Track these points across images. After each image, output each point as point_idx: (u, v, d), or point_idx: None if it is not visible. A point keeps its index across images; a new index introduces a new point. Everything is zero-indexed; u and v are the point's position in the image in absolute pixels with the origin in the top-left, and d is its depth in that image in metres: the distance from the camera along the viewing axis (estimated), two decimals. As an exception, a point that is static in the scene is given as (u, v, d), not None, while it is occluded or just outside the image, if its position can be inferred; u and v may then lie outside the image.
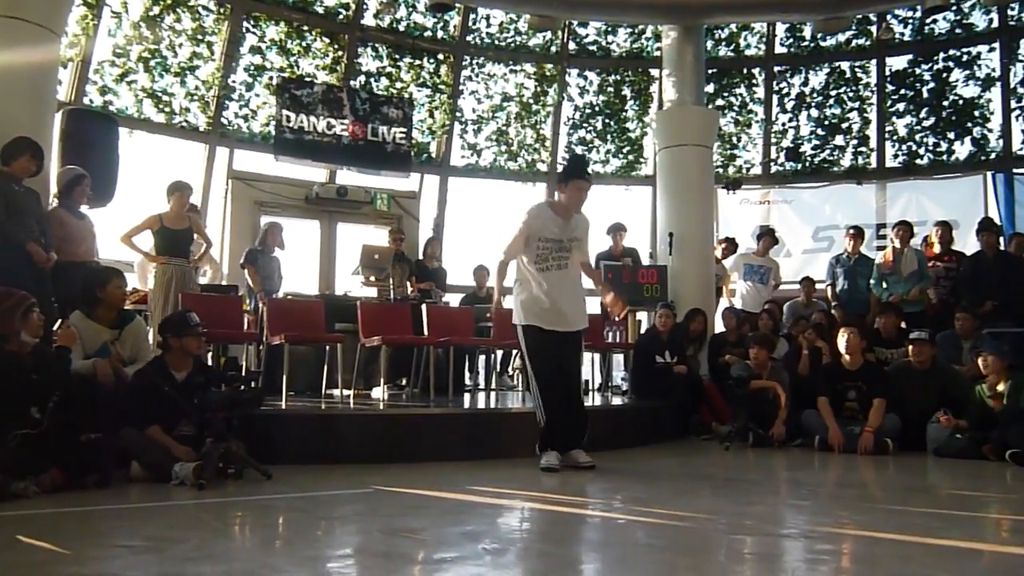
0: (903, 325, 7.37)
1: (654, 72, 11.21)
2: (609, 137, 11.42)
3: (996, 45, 10.66)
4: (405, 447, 5.32)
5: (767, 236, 9.25)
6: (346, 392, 6.50)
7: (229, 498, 3.94)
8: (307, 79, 9.93)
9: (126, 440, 4.32)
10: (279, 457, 4.75)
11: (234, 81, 9.63)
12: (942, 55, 10.87)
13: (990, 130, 10.69)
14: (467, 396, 7.57)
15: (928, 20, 10.67)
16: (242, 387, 4.38)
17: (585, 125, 11.40)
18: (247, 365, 6.73)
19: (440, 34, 10.83)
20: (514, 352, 8.91)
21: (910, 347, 6.38)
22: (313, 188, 9.72)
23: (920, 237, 8.77)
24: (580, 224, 4.97)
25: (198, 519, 3.50)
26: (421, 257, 9.22)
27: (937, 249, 8.20)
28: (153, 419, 4.40)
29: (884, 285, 8.05)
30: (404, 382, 7.68)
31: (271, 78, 9.79)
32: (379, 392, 6.51)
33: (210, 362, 6.38)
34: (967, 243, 9.12)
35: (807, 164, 11.28)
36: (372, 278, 7.93)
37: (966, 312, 7.02)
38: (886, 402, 6.06)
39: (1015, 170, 10.35)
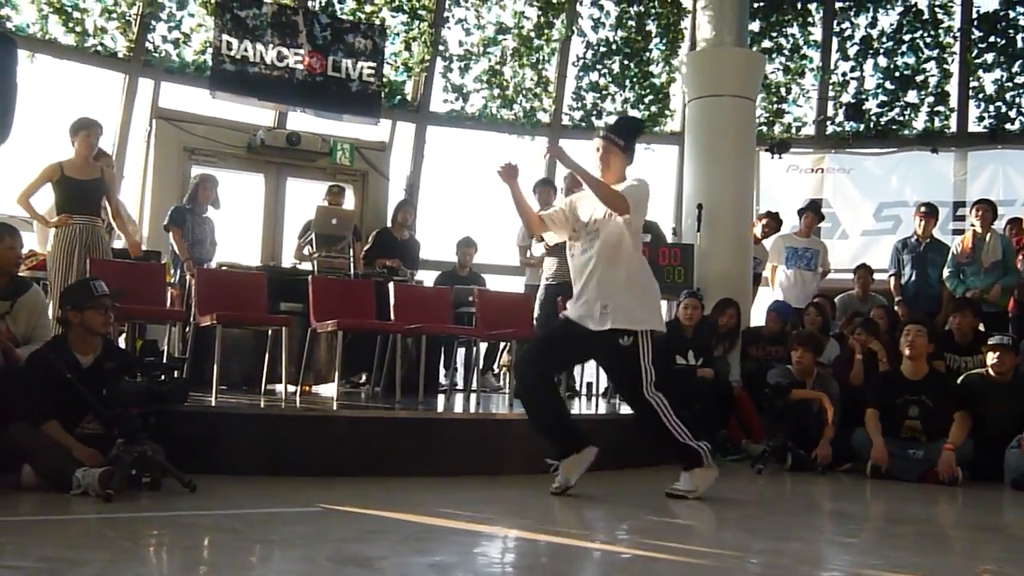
0: (981, 328, 7.41)
1: (686, 3, 11.17)
2: (628, 83, 11.39)
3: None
4: (362, 458, 5.33)
5: (811, 212, 9.28)
6: (291, 388, 6.50)
7: (143, 513, 3.95)
8: (254, -4, 9.86)
9: (16, 438, 4.31)
10: (206, 465, 4.75)
11: (163, -4, 9.56)
12: (1043, -5, 10.88)
13: (1098, 90, 10.73)
14: (441, 398, 7.58)
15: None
16: (162, 377, 4.37)
17: (599, 67, 11.37)
18: (169, 350, 6.72)
19: (422, -54, 10.78)
20: (502, 346, 8.93)
21: (988, 355, 6.41)
22: (257, 134, 9.68)
23: (1005, 219, 8.80)
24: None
25: (103, 537, 3.50)
26: (389, 224, 9.21)
27: (1031, 239, 8.21)
28: (51, 413, 4.39)
29: (961, 277, 8.08)
30: (363, 378, 7.68)
31: (209, -6, 9.72)
32: (332, 389, 6.51)
33: (123, 345, 6.40)
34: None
35: (871, 125, 11.28)
36: (323, 252, 7.80)
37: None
38: (969, 417, 6.09)
39: None
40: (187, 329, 6.70)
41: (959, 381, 6.61)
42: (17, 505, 4.07)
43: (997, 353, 6.33)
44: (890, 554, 3.79)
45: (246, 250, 9.66)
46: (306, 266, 8.34)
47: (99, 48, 9.27)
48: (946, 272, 8.19)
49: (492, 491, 5.04)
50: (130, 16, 9.38)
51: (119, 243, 7.66)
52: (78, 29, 9.15)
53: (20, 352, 4.75)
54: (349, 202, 10.17)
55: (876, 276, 8.91)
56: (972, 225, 8.27)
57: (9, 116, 6.86)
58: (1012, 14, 10.97)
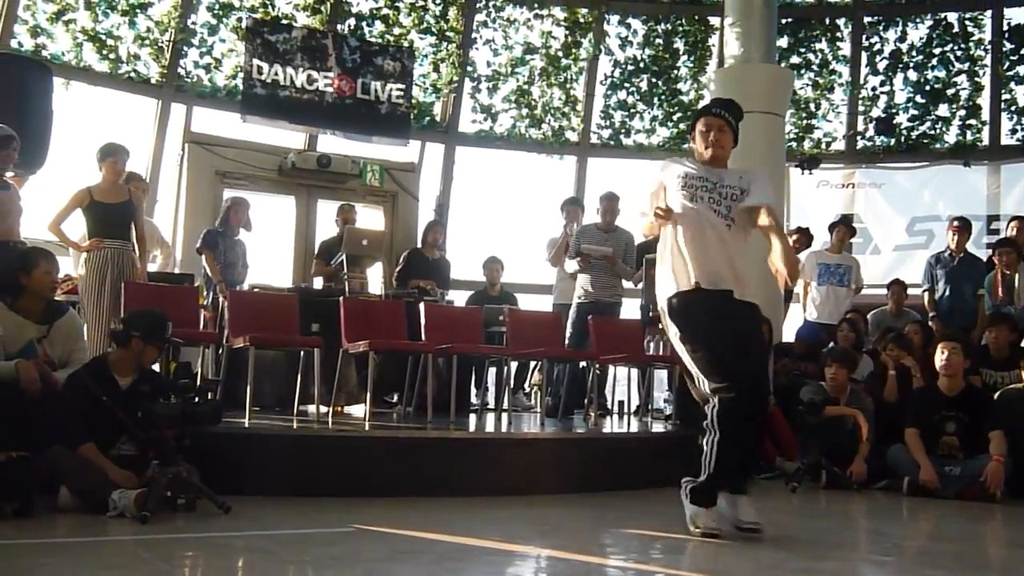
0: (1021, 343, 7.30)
1: (714, 21, 11.18)
2: (656, 101, 11.41)
3: None
4: (394, 478, 5.33)
5: (842, 226, 9.21)
6: (323, 409, 6.53)
7: (178, 534, 3.97)
8: (284, 21, 9.98)
9: (54, 460, 4.36)
10: (240, 487, 4.77)
11: (194, 23, 9.70)
12: (1075, 6, 10.79)
13: None
14: (472, 417, 7.59)
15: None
16: (196, 399, 4.41)
17: (627, 85, 11.39)
18: (203, 372, 6.77)
19: (449, -32, 10.87)
20: (533, 365, 8.93)
21: (1024, 369, 6.34)
22: (288, 157, 9.77)
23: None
24: None
25: (139, 559, 3.52)
26: (420, 245, 9.25)
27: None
28: (87, 435, 4.44)
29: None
30: (395, 399, 7.69)
31: (239, 20, 9.85)
32: (364, 410, 6.53)
33: (157, 367, 6.45)
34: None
35: (902, 139, 11.22)
36: (350, 272, 7.83)
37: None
38: (1005, 434, 6.02)
39: None
40: (220, 351, 6.74)
41: (996, 396, 6.54)
42: (54, 527, 4.11)
43: (1036, 368, 6.26)
44: (928, 573, 3.74)
45: (278, 272, 9.74)
46: (317, 284, 8.41)
47: (132, 74, 9.42)
48: (984, 291, 8.06)
49: (524, 511, 5.03)
50: (163, 43, 9.52)
51: (153, 266, 7.76)
52: (112, 56, 9.30)
53: (57, 376, 4.80)
54: (378, 222, 10.24)
55: (909, 291, 8.82)
56: (998, 266, 8.08)
57: (45, 143, 7.04)
58: (1044, 26, 10.89)
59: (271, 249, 9.76)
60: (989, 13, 11.10)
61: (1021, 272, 7.90)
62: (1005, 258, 7.96)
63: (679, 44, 11.47)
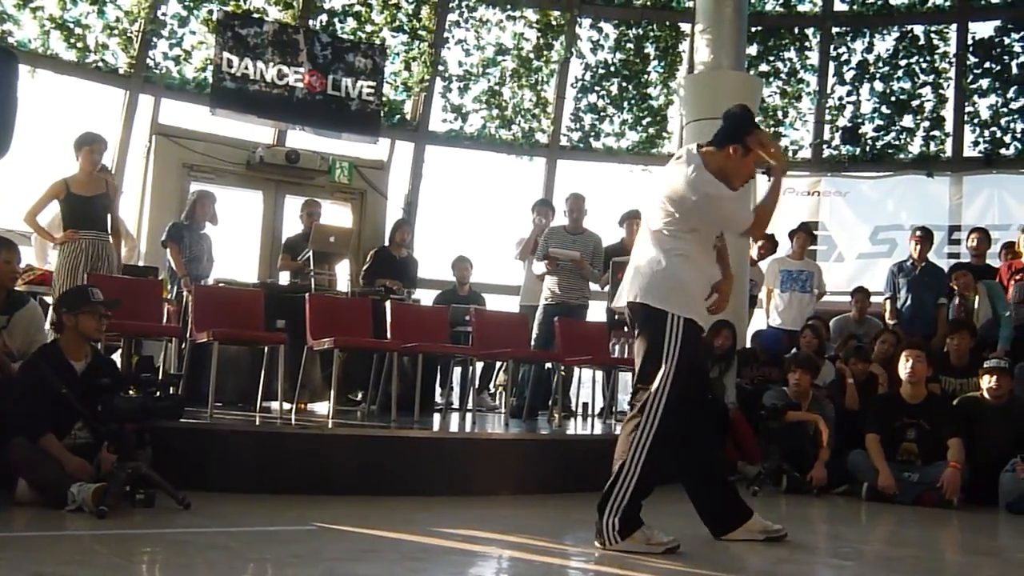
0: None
1: (684, 27, 11.23)
2: (626, 105, 11.43)
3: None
4: (357, 477, 5.31)
5: (802, 233, 9.27)
6: (287, 405, 6.48)
7: (136, 530, 3.93)
8: (255, 15, 9.90)
9: (14, 452, 4.29)
10: (201, 482, 4.74)
11: (164, 14, 9.59)
12: (1037, 22, 10.94)
13: (1093, 116, 10.78)
14: (437, 417, 7.56)
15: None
16: (158, 393, 4.36)
17: (597, 88, 11.41)
18: (165, 367, 6.70)
19: (422, -33, 10.83)
20: (498, 366, 8.93)
21: (984, 378, 6.41)
22: (257, 151, 9.69)
23: (1000, 244, 8.81)
24: None
25: (96, 554, 3.48)
26: (387, 243, 9.21)
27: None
28: (48, 426, 4.38)
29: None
30: (359, 396, 7.66)
31: (210, 12, 9.75)
32: (328, 408, 6.49)
33: (119, 361, 6.38)
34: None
35: (868, 149, 11.33)
36: (316, 269, 7.80)
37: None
38: (963, 442, 6.08)
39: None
40: (183, 345, 6.68)
41: (954, 404, 6.61)
42: (12, 520, 4.05)
43: (994, 376, 6.32)
44: (886, 578, 3.77)
45: (244, 267, 9.67)
46: (283, 279, 8.37)
47: (100, 64, 9.30)
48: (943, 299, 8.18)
49: (487, 511, 5.02)
50: (132, 33, 9.41)
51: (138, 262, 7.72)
52: (79, 45, 9.18)
53: (15, 367, 4.73)
54: (346, 219, 10.19)
55: (872, 299, 8.91)
56: (957, 291, 8.20)
57: (9, 130, 6.91)
58: (1007, 40, 11.03)
59: (237, 244, 9.69)
60: (954, 27, 11.23)
61: (980, 294, 8.00)
62: (962, 280, 8.08)
63: (650, 49, 11.50)
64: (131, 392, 4.37)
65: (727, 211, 4.18)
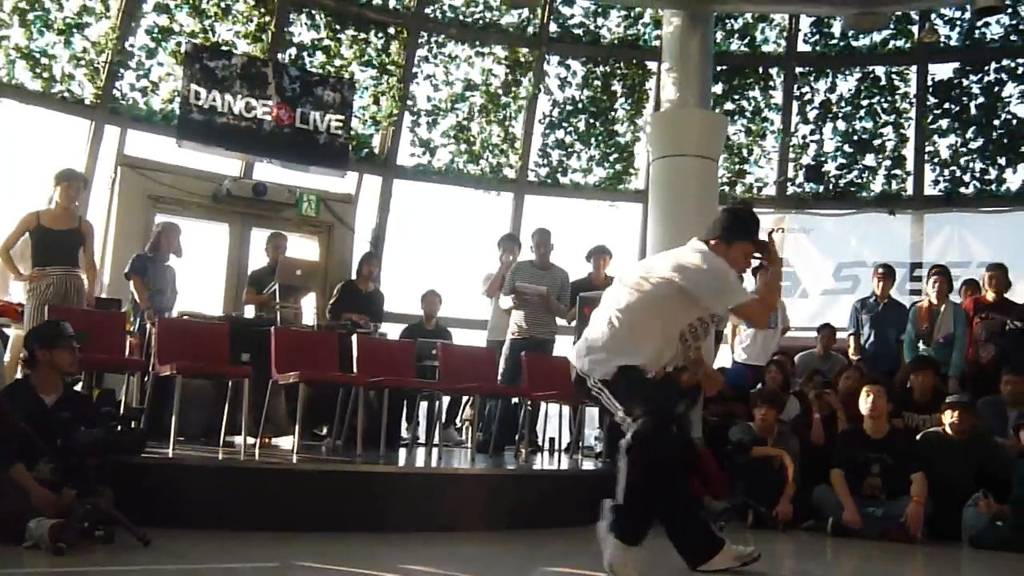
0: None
1: (651, 65, 11.35)
2: (593, 141, 11.52)
3: (1059, 56, 11.00)
4: (322, 512, 5.25)
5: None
6: (251, 440, 6.41)
7: (95, 567, 3.86)
8: (224, 48, 9.89)
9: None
10: (162, 519, 4.65)
11: (132, 45, 9.56)
12: (994, 65, 11.16)
13: (1049, 157, 10.99)
14: (403, 451, 7.51)
15: (979, 24, 10.97)
16: (119, 427, 4.31)
17: (565, 125, 11.49)
18: (127, 400, 6.61)
19: (392, 2, 10.88)
20: (464, 401, 8.89)
21: (946, 413, 6.47)
22: (223, 184, 9.64)
23: (961, 281, 8.92)
24: None
25: (53, 593, 3.41)
26: (354, 277, 9.18)
27: (991, 297, 8.28)
28: (15, 456, 4.30)
29: (920, 346, 8.12)
30: (324, 431, 7.59)
31: (179, 44, 9.73)
32: (292, 442, 6.43)
33: (80, 388, 6.29)
34: (1016, 289, 9.30)
35: (830, 187, 11.46)
36: (282, 302, 7.74)
37: (1016, 375, 7.10)
38: (927, 477, 6.12)
39: (1077, 206, 10.63)
40: (146, 379, 6.60)
41: (917, 438, 6.67)
42: (-36, 558, 3.96)
43: (956, 412, 6.40)
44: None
45: (208, 299, 9.58)
46: (249, 313, 8.32)
47: (66, 94, 9.24)
48: (905, 339, 8.25)
49: (454, 547, 4.98)
50: (98, 63, 9.36)
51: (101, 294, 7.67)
52: (45, 75, 9.11)
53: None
54: (313, 252, 10.15)
55: (837, 336, 8.98)
56: (927, 295, 8.35)
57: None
58: (965, 82, 11.25)
59: (202, 276, 9.61)
60: (915, 68, 11.43)
61: (945, 308, 8.09)
62: (938, 285, 8.15)
63: (617, 87, 11.61)
64: (93, 426, 4.31)
65: (732, 285, 4.30)
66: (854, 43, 11.52)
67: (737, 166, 11.61)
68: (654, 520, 4.09)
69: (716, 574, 4.22)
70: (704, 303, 4.27)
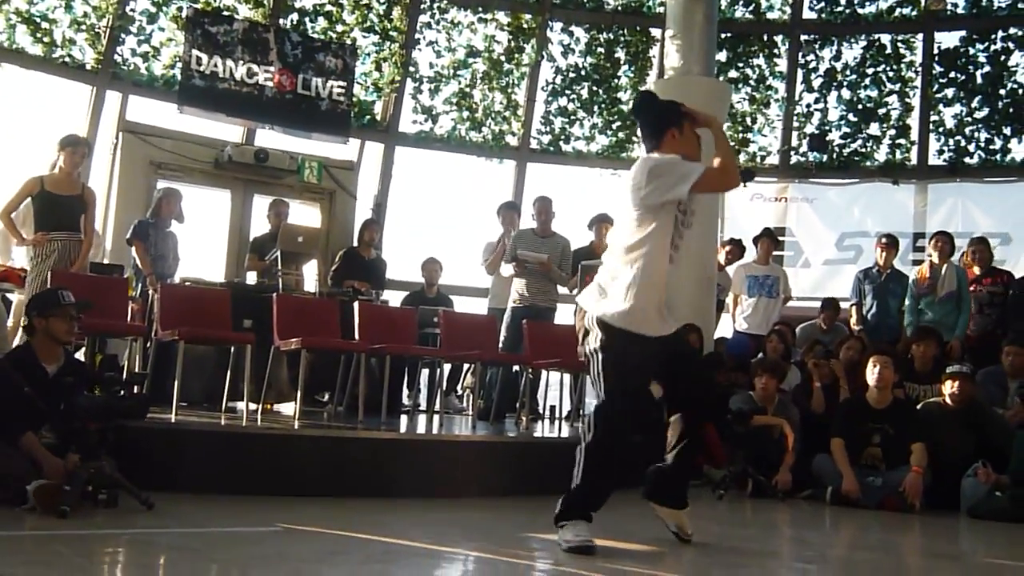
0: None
1: (655, 32, 11.29)
2: (596, 109, 11.47)
3: (1067, 25, 10.92)
4: (323, 478, 5.29)
5: (766, 238, 9.34)
6: (252, 406, 6.44)
7: (98, 530, 3.88)
8: (225, 13, 9.83)
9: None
10: (165, 483, 4.69)
11: (133, 10, 9.50)
12: (1001, 33, 11.08)
13: (1055, 127, 10.93)
14: (404, 418, 7.54)
15: (987, -9, 10.89)
16: (121, 392, 4.32)
17: (567, 92, 11.43)
18: (129, 365, 6.63)
19: (394, -32, 10.81)
20: (465, 368, 8.92)
21: (946, 383, 6.48)
22: (225, 150, 9.60)
23: (961, 252, 8.92)
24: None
25: (58, 554, 3.43)
26: (356, 244, 9.17)
27: (977, 271, 8.30)
28: (26, 426, 4.32)
29: (920, 305, 8.14)
30: (326, 397, 7.62)
31: (180, 9, 9.67)
32: (294, 408, 6.46)
33: (83, 359, 6.31)
34: (1020, 262, 9.30)
35: (835, 156, 11.43)
36: (284, 269, 7.74)
37: (1017, 345, 7.10)
38: (926, 447, 6.15)
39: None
40: (148, 344, 6.62)
41: (917, 408, 6.68)
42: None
43: (956, 382, 6.40)
44: (849, 581, 3.80)
45: (210, 266, 9.59)
46: (250, 279, 8.32)
47: (67, 59, 9.20)
48: (906, 302, 8.28)
49: (453, 513, 5.01)
50: (99, 28, 9.31)
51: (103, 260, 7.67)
52: (46, 40, 9.07)
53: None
54: (315, 219, 10.13)
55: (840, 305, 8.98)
56: (930, 256, 8.38)
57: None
58: (971, 51, 11.16)
59: (204, 243, 9.61)
60: (920, 36, 11.34)
61: (947, 268, 8.10)
62: (940, 245, 8.18)
63: (620, 54, 11.54)
64: (95, 391, 4.33)
65: (683, 169, 4.27)
66: (860, 10, 11.44)
67: (741, 135, 11.55)
68: (604, 496, 4.12)
69: (653, 521, 4.27)
70: (670, 199, 4.24)
